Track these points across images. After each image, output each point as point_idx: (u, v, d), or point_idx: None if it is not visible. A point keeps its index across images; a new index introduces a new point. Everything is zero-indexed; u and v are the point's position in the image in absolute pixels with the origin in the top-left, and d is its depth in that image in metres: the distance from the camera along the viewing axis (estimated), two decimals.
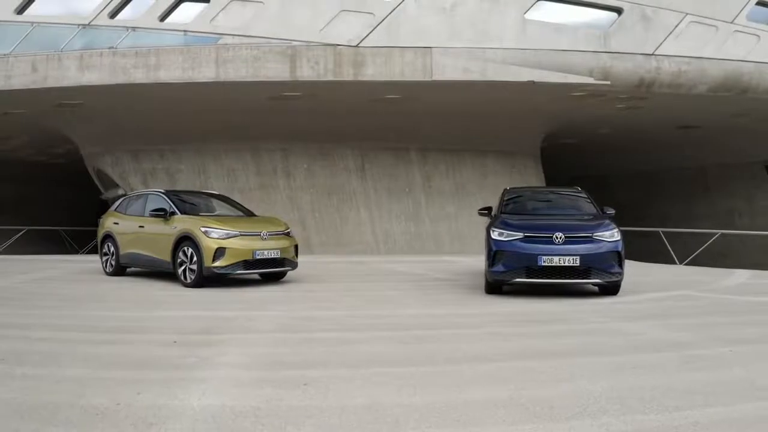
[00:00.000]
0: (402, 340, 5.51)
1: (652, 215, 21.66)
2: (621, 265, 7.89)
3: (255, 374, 4.35)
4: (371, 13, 13.12)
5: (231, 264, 8.93)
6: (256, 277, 10.03)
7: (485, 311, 7.27)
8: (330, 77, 12.99)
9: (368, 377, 4.24)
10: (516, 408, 3.61)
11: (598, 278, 7.87)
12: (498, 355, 4.95)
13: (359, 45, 13.01)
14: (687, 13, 13.92)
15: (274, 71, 12.91)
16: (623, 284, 8.18)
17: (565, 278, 7.80)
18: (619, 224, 8.27)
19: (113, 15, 13.51)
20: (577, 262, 7.65)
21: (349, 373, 4.36)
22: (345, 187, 17.21)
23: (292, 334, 5.91)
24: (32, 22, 13.75)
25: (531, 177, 18.12)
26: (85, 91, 13.54)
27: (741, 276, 11.19)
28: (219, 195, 11.63)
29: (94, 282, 9.95)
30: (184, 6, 13.53)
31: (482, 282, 8.72)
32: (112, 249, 10.62)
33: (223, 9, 13.18)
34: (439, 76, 13.05)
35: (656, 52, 13.75)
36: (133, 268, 10.71)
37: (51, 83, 13.29)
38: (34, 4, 13.88)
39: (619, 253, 7.84)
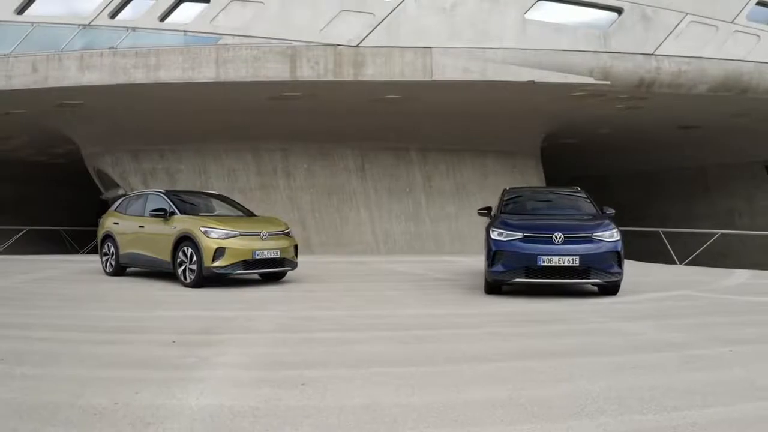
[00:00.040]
0: (401, 340, 5.51)
1: (652, 215, 21.66)
2: (620, 265, 7.89)
3: (254, 374, 4.35)
4: (371, 13, 13.13)
5: (231, 264, 8.93)
6: (256, 277, 10.03)
7: (485, 311, 7.27)
8: (330, 77, 12.99)
9: (367, 377, 4.24)
10: (514, 408, 3.61)
11: (597, 278, 7.87)
12: (497, 355, 4.95)
13: (359, 45, 13.01)
14: (687, 13, 13.91)
15: (274, 71, 12.92)
16: (623, 284, 8.18)
17: (565, 278, 7.80)
18: (619, 224, 8.27)
19: (113, 15, 13.51)
20: (577, 262, 7.65)
21: (348, 373, 4.36)
22: (345, 187, 17.21)
23: (292, 334, 5.91)
24: (32, 23, 13.76)
25: (531, 177, 18.12)
26: (85, 91, 13.55)
27: (741, 276, 11.19)
28: (219, 195, 11.63)
29: (94, 282, 9.96)
30: (184, 6, 13.54)
31: (482, 282, 8.72)
32: (112, 249, 10.63)
33: (223, 9, 13.19)
34: (439, 76, 13.05)
35: (656, 52, 13.75)
36: (133, 268, 10.71)
37: (51, 83, 13.30)
38: (34, 4, 13.89)
39: (618, 253, 7.84)
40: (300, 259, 10.15)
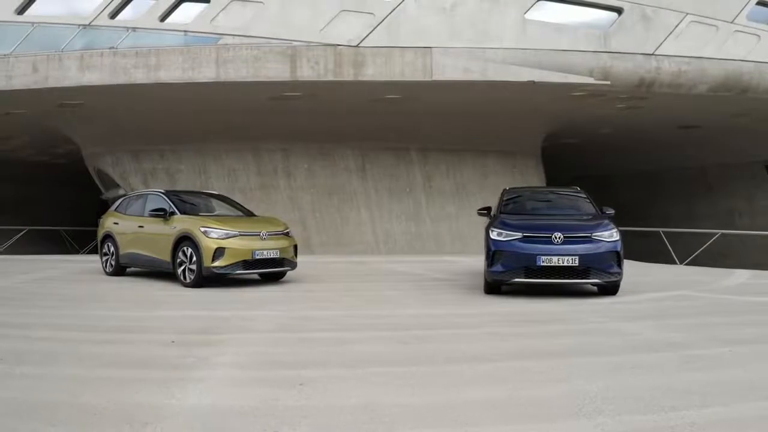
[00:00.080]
0: (400, 340, 5.51)
1: (653, 215, 21.65)
2: (620, 265, 7.89)
3: (252, 374, 4.36)
4: (371, 13, 13.13)
5: (230, 264, 8.93)
6: (256, 277, 10.03)
7: (484, 311, 7.27)
8: (330, 77, 13.00)
9: (365, 377, 4.24)
10: (513, 408, 3.62)
11: (597, 278, 7.87)
12: (496, 355, 4.95)
13: (359, 45, 13.02)
14: (687, 13, 13.91)
15: (275, 71, 12.92)
16: (622, 284, 8.17)
17: (564, 278, 7.80)
18: (620, 224, 8.26)
19: (114, 15, 13.52)
20: (576, 262, 7.64)
21: (346, 372, 4.37)
22: (345, 187, 17.22)
23: (291, 334, 5.91)
24: (33, 23, 13.77)
25: (532, 177, 18.11)
26: (85, 91, 13.56)
27: (741, 276, 11.18)
28: (218, 195, 11.64)
29: (94, 282, 9.97)
30: (184, 6, 13.55)
31: (482, 282, 8.72)
32: (111, 249, 10.64)
33: (223, 9, 13.19)
34: (439, 76, 13.05)
35: (656, 52, 13.74)
36: (132, 268, 10.72)
37: (52, 83, 13.32)
38: (34, 4, 13.90)
39: (618, 253, 7.84)
40: (300, 259, 10.16)
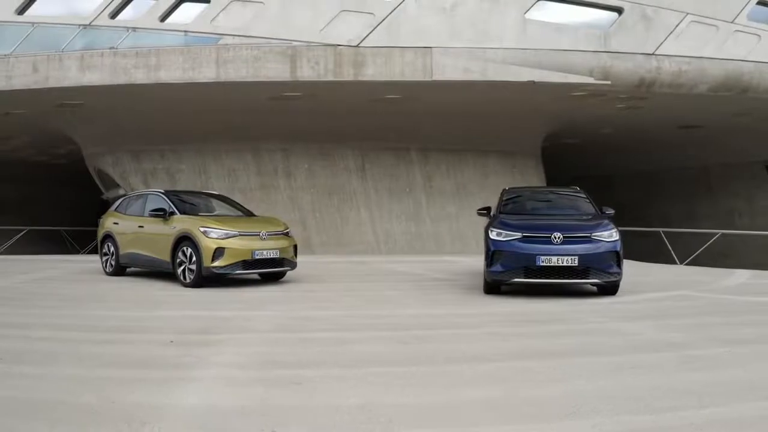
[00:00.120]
0: (401, 340, 5.51)
1: (654, 215, 21.64)
2: (620, 265, 7.88)
3: (251, 374, 4.36)
4: (371, 13, 13.13)
5: (230, 264, 8.94)
6: (256, 277, 10.04)
7: (484, 311, 7.27)
8: (330, 77, 13.00)
9: (364, 377, 4.24)
10: (513, 408, 3.62)
11: (596, 278, 7.86)
12: (496, 355, 4.95)
13: (359, 45, 13.02)
14: (687, 13, 13.90)
15: (275, 71, 12.93)
16: (622, 284, 8.17)
17: (564, 278, 7.79)
18: (620, 224, 8.25)
19: (114, 15, 13.54)
20: (576, 262, 7.64)
21: (346, 372, 4.36)
22: (346, 187, 17.22)
23: (290, 334, 5.91)
24: (33, 23, 13.78)
25: (532, 177, 18.11)
26: (85, 91, 13.57)
27: (741, 276, 11.17)
28: (218, 195, 11.64)
29: (94, 282, 9.97)
30: (184, 6, 13.56)
31: (482, 282, 8.71)
32: (111, 249, 10.64)
33: (223, 9, 13.20)
34: (439, 76, 13.05)
35: (657, 52, 13.74)
36: (132, 268, 10.72)
37: (52, 83, 13.33)
38: (34, 4, 13.91)
39: (617, 253, 7.83)
40: (300, 259, 10.16)
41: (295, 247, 9.84)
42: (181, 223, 9.34)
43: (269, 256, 9.25)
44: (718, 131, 18.18)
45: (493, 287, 8.29)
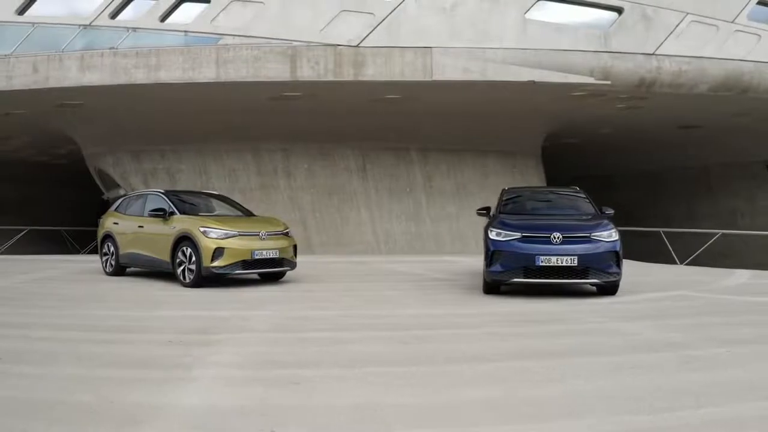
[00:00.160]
0: (400, 340, 5.51)
1: (655, 215, 21.64)
2: (619, 265, 7.88)
3: (250, 373, 4.36)
4: (371, 13, 13.14)
5: (229, 264, 8.94)
6: (255, 277, 10.04)
7: (484, 311, 7.26)
8: (330, 77, 13.01)
9: (364, 377, 4.24)
10: (512, 408, 3.62)
11: (596, 278, 7.86)
12: (496, 355, 4.95)
13: (359, 45, 13.02)
14: (688, 13, 13.90)
15: (275, 71, 12.94)
16: (622, 284, 8.16)
17: (563, 278, 7.79)
18: (621, 224, 8.24)
19: (114, 15, 13.55)
20: (575, 262, 7.63)
21: (345, 372, 4.36)
22: (346, 187, 17.23)
23: (289, 333, 5.92)
24: (33, 23, 13.80)
25: (532, 177, 18.11)
26: (86, 91, 13.58)
27: (741, 276, 11.17)
28: (218, 195, 11.64)
29: (94, 282, 9.98)
30: (184, 6, 13.57)
31: (481, 282, 8.72)
32: (111, 249, 10.65)
33: (223, 9, 13.21)
34: (439, 76, 13.06)
35: (657, 52, 13.74)
36: (132, 268, 10.73)
37: (52, 84, 13.34)
38: (35, 4, 13.92)
39: (617, 253, 7.83)
40: (300, 259, 10.16)
41: (295, 247, 9.84)
42: (180, 223, 9.34)
43: (269, 256, 9.25)
44: (718, 131, 18.18)
45: (493, 287, 8.29)
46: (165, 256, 9.41)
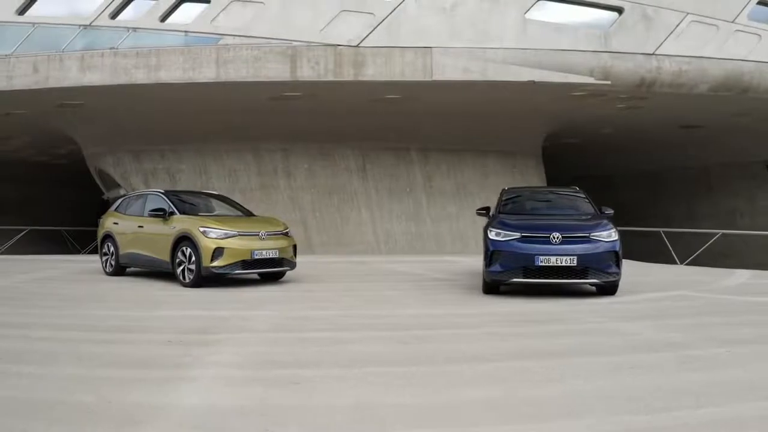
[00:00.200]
0: (400, 340, 5.51)
1: (655, 215, 21.63)
2: (618, 265, 7.87)
3: (250, 373, 4.36)
4: (371, 13, 13.14)
5: (229, 264, 8.94)
6: (255, 277, 10.05)
7: (484, 311, 7.26)
8: (330, 77, 13.01)
9: (364, 377, 4.24)
10: (512, 408, 3.62)
11: (595, 278, 7.85)
12: (495, 355, 4.95)
13: (359, 45, 13.02)
14: (688, 13, 13.89)
15: (275, 71, 12.94)
16: (621, 284, 8.16)
17: (563, 278, 7.78)
18: (621, 224, 8.24)
19: (114, 15, 13.55)
20: (575, 262, 7.63)
21: (345, 372, 4.37)
22: (346, 187, 17.23)
23: (289, 333, 5.92)
24: (33, 23, 13.80)
25: (532, 177, 18.11)
26: (86, 91, 13.59)
27: (741, 276, 11.16)
28: (218, 195, 11.65)
29: (94, 282, 9.99)
30: (184, 6, 13.57)
31: (481, 282, 8.72)
32: (111, 249, 10.66)
33: (223, 9, 13.21)
34: (439, 76, 13.06)
35: (657, 52, 13.73)
36: (132, 268, 10.74)
37: (52, 84, 13.35)
38: (35, 4, 13.93)
39: (616, 252, 7.82)
40: (300, 259, 10.16)
41: (295, 247, 9.84)
42: (180, 223, 9.35)
43: (268, 256, 9.25)
44: (719, 131, 18.18)
45: (492, 287, 8.29)
46: (165, 256, 9.41)
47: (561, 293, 8.42)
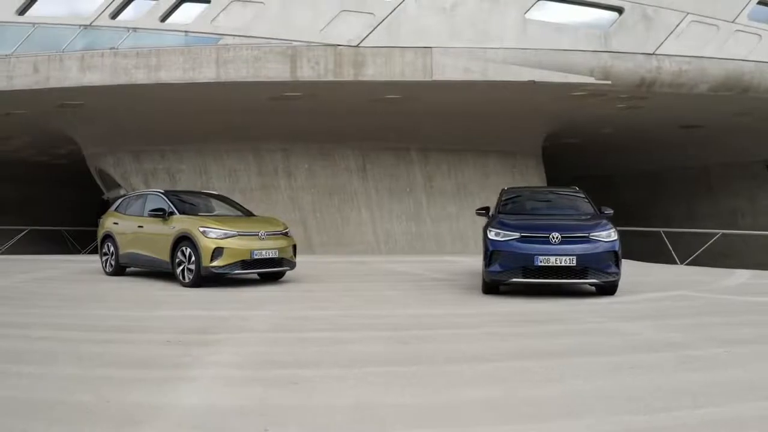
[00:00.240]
0: (400, 340, 5.51)
1: (656, 215, 21.63)
2: (618, 265, 7.87)
3: (249, 373, 4.37)
4: (371, 13, 13.14)
5: (229, 264, 8.94)
6: (255, 277, 10.05)
7: (483, 311, 7.26)
8: (330, 77, 13.01)
9: (363, 377, 4.24)
10: (512, 408, 3.62)
11: (594, 278, 7.85)
12: (495, 355, 4.95)
13: (359, 45, 13.03)
14: (688, 13, 13.90)
15: (275, 71, 12.94)
16: (621, 284, 8.16)
17: (562, 278, 7.78)
18: (621, 224, 8.23)
19: (114, 16, 13.55)
20: (574, 262, 7.62)
21: (345, 372, 4.36)
22: (346, 187, 17.23)
23: (289, 333, 5.92)
24: (34, 23, 13.80)
25: (532, 177, 18.11)
26: (86, 91, 13.59)
27: (741, 276, 11.16)
28: (218, 195, 11.65)
29: (94, 282, 9.99)
30: (184, 6, 13.57)
31: (480, 282, 8.71)
32: (111, 249, 10.66)
33: (223, 9, 13.21)
34: (439, 76, 13.06)
35: (657, 52, 13.73)
36: (132, 268, 10.74)
37: (52, 84, 13.35)
38: (35, 4, 13.93)
39: (616, 252, 7.82)
40: (301, 258, 10.16)
41: (294, 247, 9.84)
42: (180, 223, 9.35)
43: (268, 256, 9.25)
44: (719, 131, 18.17)
45: (492, 287, 8.29)
46: (164, 256, 9.41)
47: (560, 293, 8.42)
